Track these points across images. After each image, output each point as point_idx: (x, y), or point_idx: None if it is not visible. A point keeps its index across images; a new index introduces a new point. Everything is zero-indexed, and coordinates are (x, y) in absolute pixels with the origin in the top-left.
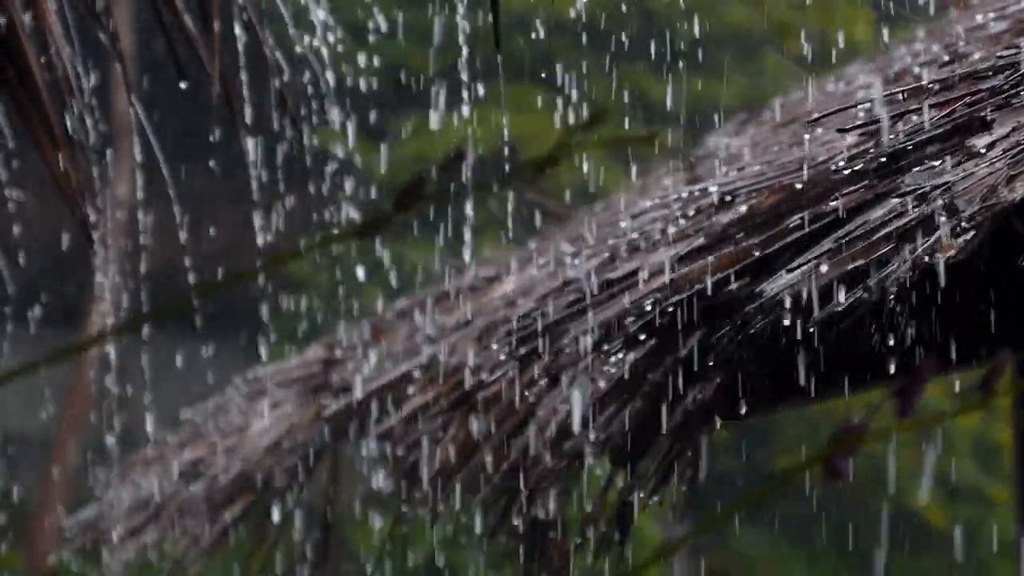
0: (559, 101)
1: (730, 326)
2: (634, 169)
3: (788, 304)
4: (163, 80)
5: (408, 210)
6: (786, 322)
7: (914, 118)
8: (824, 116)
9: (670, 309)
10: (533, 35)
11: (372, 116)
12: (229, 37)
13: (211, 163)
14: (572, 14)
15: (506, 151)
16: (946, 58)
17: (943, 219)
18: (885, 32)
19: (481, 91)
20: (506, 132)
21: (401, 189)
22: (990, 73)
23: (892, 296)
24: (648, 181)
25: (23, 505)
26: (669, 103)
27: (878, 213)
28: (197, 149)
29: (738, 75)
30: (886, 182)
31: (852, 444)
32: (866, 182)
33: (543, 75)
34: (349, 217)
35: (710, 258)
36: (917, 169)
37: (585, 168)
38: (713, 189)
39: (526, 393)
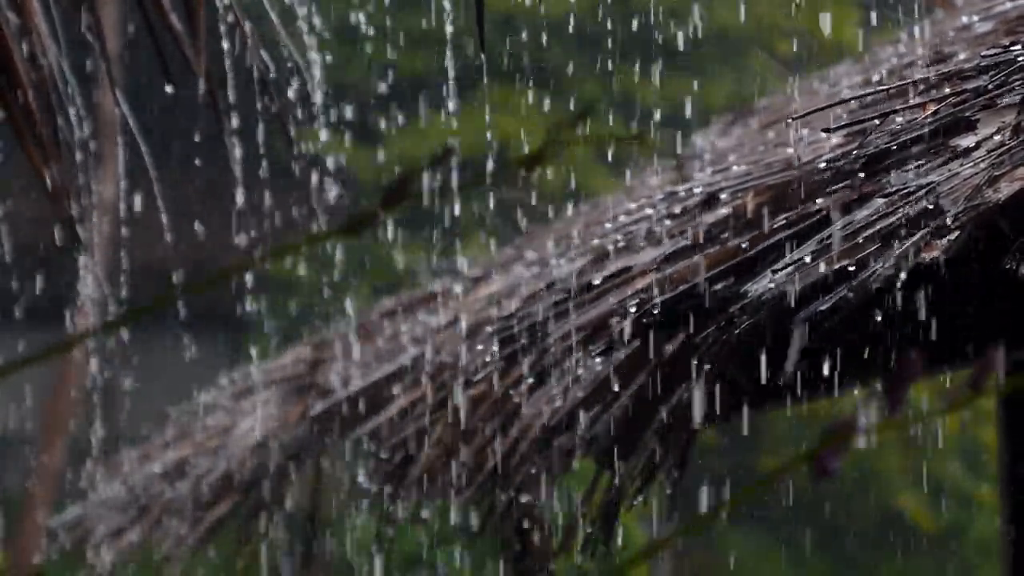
0: (546, 101)
1: (715, 326)
2: (618, 169)
3: (773, 304)
4: (149, 80)
5: (394, 208)
6: (771, 322)
7: (899, 118)
8: (809, 115)
9: (655, 309)
10: (520, 36)
11: (360, 117)
12: (215, 36)
13: (197, 163)
14: (559, 15)
15: (492, 151)
16: (931, 58)
17: (928, 219)
18: (870, 33)
19: (468, 92)
20: (491, 132)
21: (387, 187)
22: (975, 73)
23: (877, 296)
24: (633, 181)
25: (8, 504)
26: (655, 103)
27: (863, 213)
28: (183, 149)
29: (725, 76)
30: (871, 182)
31: (841, 442)
32: (851, 182)
33: (530, 76)
34: (335, 216)
35: (695, 258)
36: (902, 169)
37: (570, 168)
38: (698, 189)
39: (511, 393)
